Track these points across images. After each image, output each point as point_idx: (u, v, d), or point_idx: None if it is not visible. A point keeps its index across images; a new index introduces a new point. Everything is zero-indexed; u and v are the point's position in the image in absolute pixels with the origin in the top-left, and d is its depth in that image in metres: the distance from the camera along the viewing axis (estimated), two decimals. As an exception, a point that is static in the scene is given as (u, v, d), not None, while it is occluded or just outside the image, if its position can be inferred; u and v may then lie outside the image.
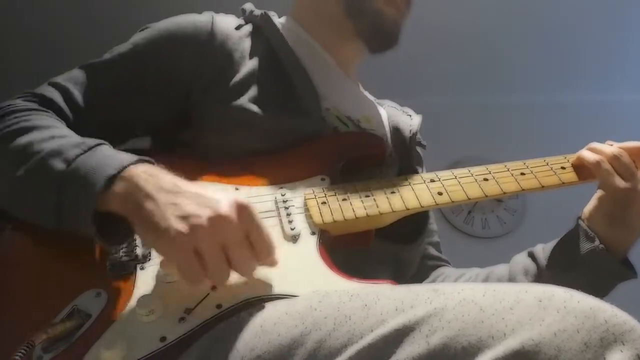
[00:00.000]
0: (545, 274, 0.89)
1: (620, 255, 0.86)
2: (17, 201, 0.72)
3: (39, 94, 0.82)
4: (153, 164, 0.68)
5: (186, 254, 0.59)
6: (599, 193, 0.88)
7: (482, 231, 2.52)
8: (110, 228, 0.66)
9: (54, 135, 0.72)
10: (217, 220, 0.60)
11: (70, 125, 0.79)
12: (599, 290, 0.85)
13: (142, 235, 0.67)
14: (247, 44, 0.92)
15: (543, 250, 0.92)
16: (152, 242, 0.63)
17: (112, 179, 0.64)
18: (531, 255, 0.94)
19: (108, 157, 0.68)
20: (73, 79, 0.86)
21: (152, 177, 0.64)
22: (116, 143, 0.79)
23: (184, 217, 0.60)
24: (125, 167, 0.65)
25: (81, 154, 0.68)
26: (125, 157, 0.67)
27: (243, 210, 0.62)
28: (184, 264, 0.60)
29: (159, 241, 0.61)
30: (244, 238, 0.62)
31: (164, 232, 0.59)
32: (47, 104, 0.81)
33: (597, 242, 0.85)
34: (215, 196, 0.62)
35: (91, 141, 0.70)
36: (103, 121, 0.85)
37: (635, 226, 0.86)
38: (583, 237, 0.87)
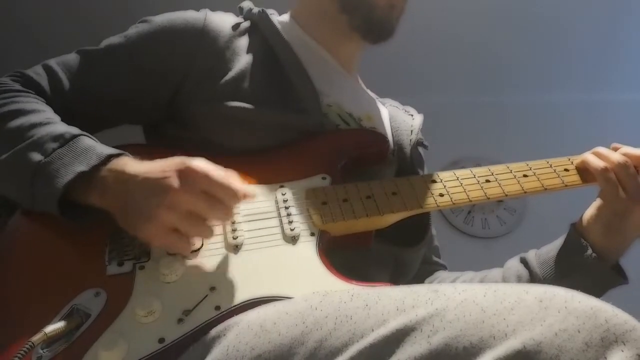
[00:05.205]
0: (537, 280, 0.88)
1: (612, 261, 0.86)
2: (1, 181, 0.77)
3: (27, 75, 0.85)
4: (127, 155, 0.72)
5: (165, 236, 0.66)
6: (598, 202, 0.87)
7: (482, 231, 2.51)
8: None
9: (37, 122, 0.75)
10: (172, 199, 0.65)
11: (52, 108, 0.82)
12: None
13: (122, 225, 0.70)
14: (243, 41, 0.92)
15: (536, 256, 0.92)
16: (133, 232, 0.68)
17: (81, 175, 0.68)
18: (523, 261, 0.93)
19: (85, 150, 0.71)
20: (65, 63, 0.88)
21: (118, 171, 0.69)
22: (100, 129, 0.88)
23: (147, 215, 0.65)
24: (95, 165, 0.69)
25: (58, 147, 0.71)
26: (98, 152, 0.71)
27: (186, 175, 0.66)
28: (168, 243, 0.67)
29: (138, 231, 0.67)
30: (201, 194, 0.66)
31: (135, 226, 0.67)
32: (33, 86, 0.84)
33: (589, 251, 0.84)
34: (161, 174, 0.66)
35: (69, 134, 0.73)
36: (88, 107, 0.87)
37: (630, 236, 0.85)
38: (576, 246, 0.86)
